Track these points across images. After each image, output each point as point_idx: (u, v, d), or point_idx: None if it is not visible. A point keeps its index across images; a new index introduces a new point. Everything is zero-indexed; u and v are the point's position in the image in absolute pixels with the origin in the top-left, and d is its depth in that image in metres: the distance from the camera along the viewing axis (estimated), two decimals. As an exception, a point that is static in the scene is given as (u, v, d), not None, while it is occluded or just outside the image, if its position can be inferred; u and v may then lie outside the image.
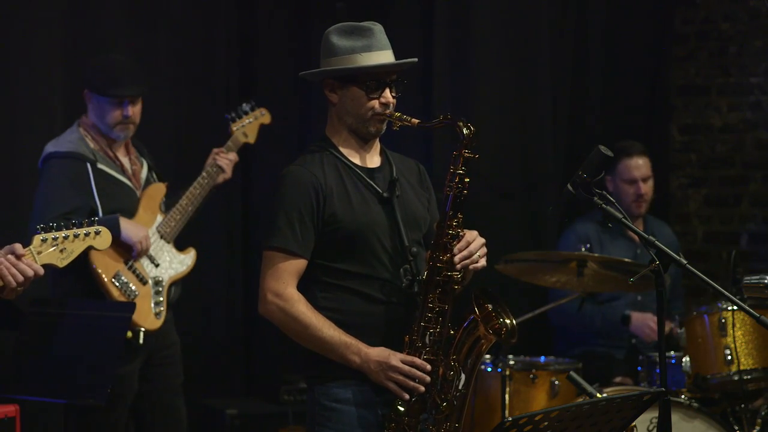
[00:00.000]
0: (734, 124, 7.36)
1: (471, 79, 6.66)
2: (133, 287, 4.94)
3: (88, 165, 4.93)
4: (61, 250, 3.66)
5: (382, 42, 3.77)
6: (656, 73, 7.40)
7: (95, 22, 5.72)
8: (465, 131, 3.71)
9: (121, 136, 5.05)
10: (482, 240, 3.76)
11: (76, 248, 3.68)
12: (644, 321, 5.99)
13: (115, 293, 4.89)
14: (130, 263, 4.97)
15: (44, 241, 3.62)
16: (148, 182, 5.17)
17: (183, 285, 5.20)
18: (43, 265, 3.60)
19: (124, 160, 5.10)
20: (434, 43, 6.55)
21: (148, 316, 4.98)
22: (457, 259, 3.69)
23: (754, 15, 7.26)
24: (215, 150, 5.32)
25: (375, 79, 3.75)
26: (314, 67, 3.88)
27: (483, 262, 3.76)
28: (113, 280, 4.91)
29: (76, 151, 4.95)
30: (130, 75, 5.04)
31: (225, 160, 5.30)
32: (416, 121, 3.77)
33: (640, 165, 6.18)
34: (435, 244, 3.73)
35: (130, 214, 5.01)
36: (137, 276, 4.98)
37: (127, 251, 4.95)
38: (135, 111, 5.03)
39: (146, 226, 5.03)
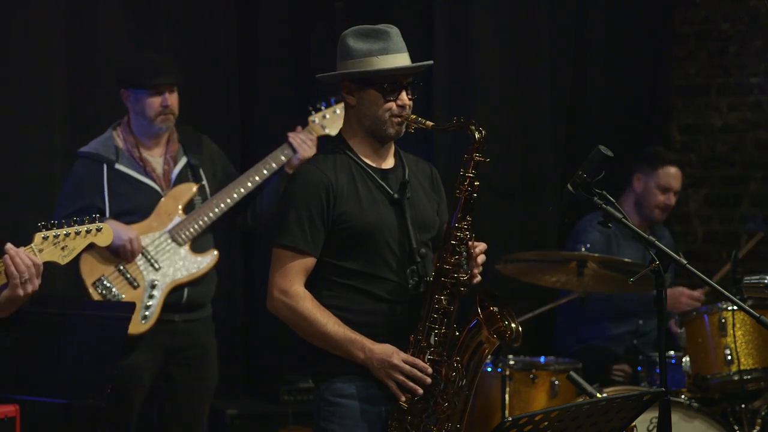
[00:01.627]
0: (734, 124, 7.36)
1: (471, 79, 6.66)
2: (117, 292, 4.90)
3: (104, 165, 4.96)
4: (63, 248, 3.66)
5: (398, 45, 3.79)
6: (656, 73, 7.40)
7: (95, 22, 5.71)
8: (476, 135, 3.73)
9: (163, 128, 5.04)
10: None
11: (77, 245, 3.68)
12: (676, 294, 5.95)
13: (96, 298, 4.86)
14: (121, 266, 4.93)
15: (45, 238, 3.62)
16: (181, 181, 5.10)
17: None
18: (46, 263, 3.60)
19: (156, 160, 5.07)
20: (434, 44, 6.54)
21: (133, 319, 4.91)
22: (479, 260, 3.75)
23: (754, 15, 7.27)
24: (289, 133, 5.17)
25: (392, 81, 3.77)
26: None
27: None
28: (95, 284, 4.89)
29: (94, 152, 4.99)
30: (164, 66, 5.06)
31: (297, 138, 5.13)
32: (431, 123, 3.81)
33: (678, 177, 6.16)
34: (443, 246, 3.76)
35: (145, 215, 4.99)
36: (128, 279, 4.93)
37: (115, 255, 4.90)
38: (173, 100, 5.04)
39: (157, 230, 4.98)
